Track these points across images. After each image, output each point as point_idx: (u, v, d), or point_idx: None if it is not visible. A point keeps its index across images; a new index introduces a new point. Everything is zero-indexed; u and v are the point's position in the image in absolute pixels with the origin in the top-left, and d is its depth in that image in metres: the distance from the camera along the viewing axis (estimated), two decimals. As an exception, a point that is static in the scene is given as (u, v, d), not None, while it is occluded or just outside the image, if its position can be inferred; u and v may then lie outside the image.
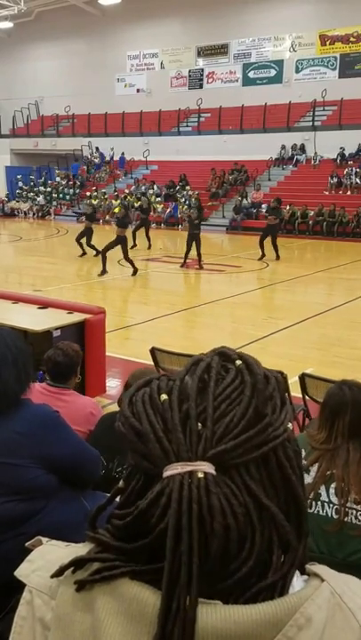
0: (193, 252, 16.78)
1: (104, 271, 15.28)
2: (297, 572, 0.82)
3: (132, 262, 15.36)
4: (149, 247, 20.79)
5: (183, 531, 0.75)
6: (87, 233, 18.41)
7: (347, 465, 2.66)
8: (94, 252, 17.99)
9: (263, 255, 18.55)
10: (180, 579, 0.74)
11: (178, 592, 0.74)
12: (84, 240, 18.40)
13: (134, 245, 20.26)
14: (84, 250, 18.51)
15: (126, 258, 15.39)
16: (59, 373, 3.95)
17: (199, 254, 16.87)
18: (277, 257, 18.56)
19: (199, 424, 0.80)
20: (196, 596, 0.73)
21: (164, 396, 0.84)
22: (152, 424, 0.82)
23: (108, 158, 36.19)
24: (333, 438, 2.74)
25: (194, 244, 16.74)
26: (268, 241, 18.44)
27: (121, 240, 15.34)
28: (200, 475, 0.77)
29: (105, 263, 15.30)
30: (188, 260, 16.85)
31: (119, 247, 15.34)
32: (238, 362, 0.87)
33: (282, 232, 25.66)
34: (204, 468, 0.78)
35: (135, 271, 15.40)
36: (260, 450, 0.80)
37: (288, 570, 0.80)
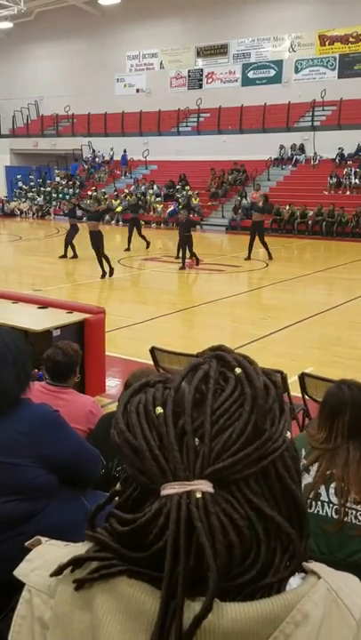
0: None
1: (104, 273, 14.90)
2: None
3: (107, 260, 14.79)
4: (148, 246, 20.47)
5: (181, 552, 0.75)
6: (72, 230, 17.92)
7: (346, 465, 2.65)
8: (63, 253, 17.82)
9: (249, 257, 18.33)
10: (177, 598, 0.74)
11: (174, 607, 0.74)
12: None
13: (128, 249, 19.98)
14: (66, 252, 18.11)
15: (101, 254, 14.75)
16: (58, 372, 3.95)
17: (192, 254, 16.69)
18: (270, 256, 18.25)
19: (196, 439, 0.80)
20: (207, 612, 0.73)
21: (159, 409, 0.83)
22: (147, 440, 0.81)
23: (107, 158, 36.13)
24: (333, 438, 2.74)
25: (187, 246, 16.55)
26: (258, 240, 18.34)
27: (95, 236, 14.76)
28: (198, 495, 0.76)
29: (102, 265, 14.91)
30: (186, 261, 16.78)
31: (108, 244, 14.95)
32: (238, 370, 0.85)
33: (281, 232, 25.75)
34: (202, 487, 0.77)
35: (103, 274, 14.77)
36: (259, 464, 0.80)
37: (289, 574, 0.80)
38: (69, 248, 18.15)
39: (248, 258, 18.36)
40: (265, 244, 18.29)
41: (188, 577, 0.74)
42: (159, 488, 0.79)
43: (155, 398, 0.85)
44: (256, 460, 0.79)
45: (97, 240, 14.76)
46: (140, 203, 22.86)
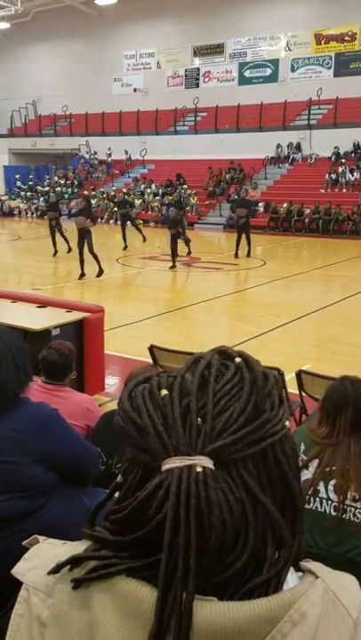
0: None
1: (82, 274, 14.58)
2: (291, 569, 0.82)
3: (97, 259, 14.36)
4: (125, 247, 20.01)
5: (181, 524, 0.75)
6: (57, 225, 17.76)
7: (348, 460, 2.66)
8: (66, 247, 17.41)
9: (237, 255, 18.24)
10: (177, 571, 0.74)
11: (175, 585, 0.74)
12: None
13: (125, 247, 19.86)
14: (56, 247, 17.95)
15: (91, 252, 14.32)
16: (55, 372, 3.96)
17: (173, 253, 16.38)
18: (248, 253, 18.11)
19: (199, 419, 0.81)
20: (194, 589, 0.74)
21: (164, 392, 0.85)
22: (152, 418, 0.82)
23: (105, 157, 36.09)
24: (335, 433, 2.75)
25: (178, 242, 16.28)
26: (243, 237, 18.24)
27: (83, 233, 14.36)
28: (199, 469, 0.77)
29: (83, 266, 14.61)
30: (185, 258, 16.70)
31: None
32: (238, 359, 0.88)
33: (278, 230, 25.76)
34: (203, 462, 0.78)
35: (100, 272, 14.40)
36: (258, 446, 0.80)
37: (282, 567, 0.80)
38: (55, 243, 18.04)
39: (236, 255, 18.27)
40: (249, 241, 18.17)
41: (187, 550, 0.75)
42: (160, 465, 0.80)
43: (160, 383, 0.87)
44: (256, 440, 0.80)
45: (87, 237, 14.37)
46: (126, 198, 22.52)
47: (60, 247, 17.86)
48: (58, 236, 17.87)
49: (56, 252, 18.02)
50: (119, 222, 22.47)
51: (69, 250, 17.25)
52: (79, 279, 14.54)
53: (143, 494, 0.79)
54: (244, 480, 0.79)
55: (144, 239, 20.50)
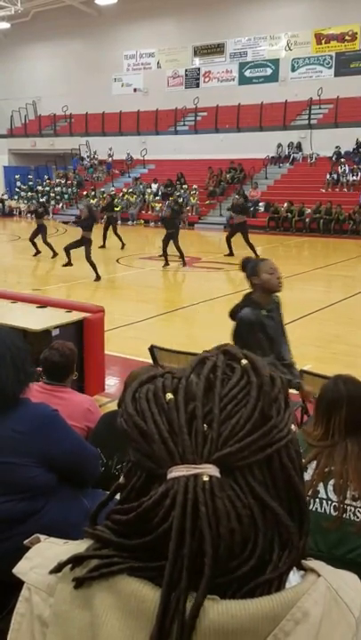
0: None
1: (69, 263, 15.15)
2: (293, 567, 0.82)
3: (94, 266, 14.42)
4: (123, 247, 20.17)
5: (186, 534, 0.75)
6: (41, 230, 18.03)
7: (345, 461, 2.65)
8: (51, 253, 17.61)
9: (231, 253, 18.10)
10: (182, 582, 0.74)
11: (177, 594, 0.74)
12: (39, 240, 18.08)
13: (103, 246, 19.80)
14: (37, 249, 18.15)
15: (88, 259, 14.41)
16: (56, 373, 3.96)
17: (180, 252, 16.52)
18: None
19: (204, 425, 0.80)
20: (202, 601, 0.73)
21: (169, 395, 0.83)
22: (157, 424, 0.81)
23: (106, 157, 36.10)
24: (331, 434, 2.73)
25: (171, 243, 16.29)
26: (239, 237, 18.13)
27: (84, 242, 14.60)
28: (205, 478, 0.76)
29: (69, 257, 15.16)
30: (186, 258, 16.70)
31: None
32: (244, 361, 0.86)
33: (279, 230, 25.75)
34: (210, 470, 0.77)
35: (97, 277, 14.43)
36: (264, 452, 0.80)
37: (287, 568, 0.80)
38: (31, 245, 18.25)
39: (231, 254, 18.10)
40: (251, 245, 17.91)
41: (192, 561, 0.74)
42: (165, 472, 0.79)
43: (165, 386, 0.86)
44: (262, 447, 0.80)
45: (86, 245, 14.59)
46: (114, 202, 22.84)
47: (45, 252, 18.06)
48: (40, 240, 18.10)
49: (38, 252, 18.27)
50: (120, 222, 22.59)
51: (54, 255, 17.65)
52: (52, 257, 15.84)
53: (148, 503, 0.78)
54: (251, 486, 0.79)
55: (123, 246, 20.40)
